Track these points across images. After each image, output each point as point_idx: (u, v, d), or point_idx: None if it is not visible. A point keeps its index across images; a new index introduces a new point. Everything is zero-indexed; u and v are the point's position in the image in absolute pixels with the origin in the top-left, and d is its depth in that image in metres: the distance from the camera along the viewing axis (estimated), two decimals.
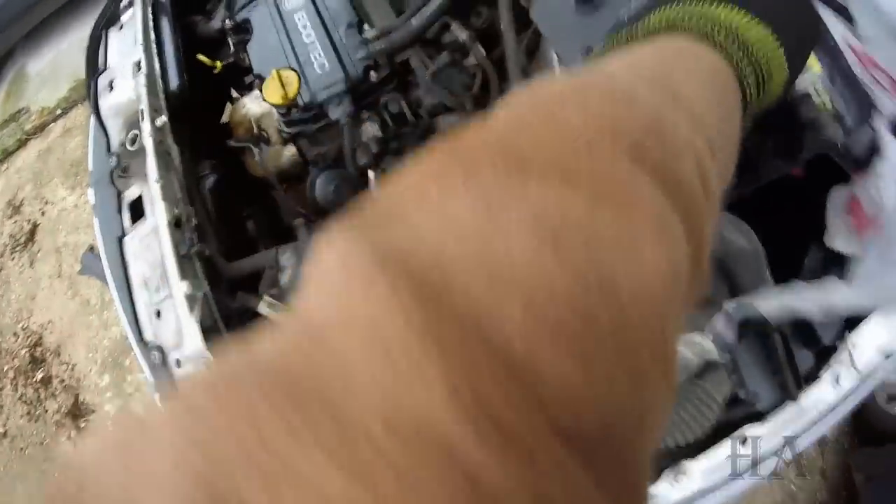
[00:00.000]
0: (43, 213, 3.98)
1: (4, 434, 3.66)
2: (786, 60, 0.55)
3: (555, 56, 1.23)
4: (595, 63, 0.45)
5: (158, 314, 1.50)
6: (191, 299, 1.42)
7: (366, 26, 1.55)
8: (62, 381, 3.52)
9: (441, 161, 0.30)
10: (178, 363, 1.46)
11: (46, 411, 3.55)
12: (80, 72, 1.89)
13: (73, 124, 4.14)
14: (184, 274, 1.42)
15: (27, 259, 3.91)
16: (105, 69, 1.86)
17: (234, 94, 1.94)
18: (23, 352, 3.71)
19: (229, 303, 1.51)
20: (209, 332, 1.44)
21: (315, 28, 1.56)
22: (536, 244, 0.24)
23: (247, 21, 1.74)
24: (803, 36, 0.59)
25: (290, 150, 1.67)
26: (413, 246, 0.25)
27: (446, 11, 1.43)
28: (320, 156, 1.59)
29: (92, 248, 1.82)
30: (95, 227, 1.70)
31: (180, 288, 1.41)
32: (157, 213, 1.47)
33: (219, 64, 1.84)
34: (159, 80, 1.68)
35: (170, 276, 1.43)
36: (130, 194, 1.62)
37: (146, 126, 1.57)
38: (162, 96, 1.66)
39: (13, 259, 3.98)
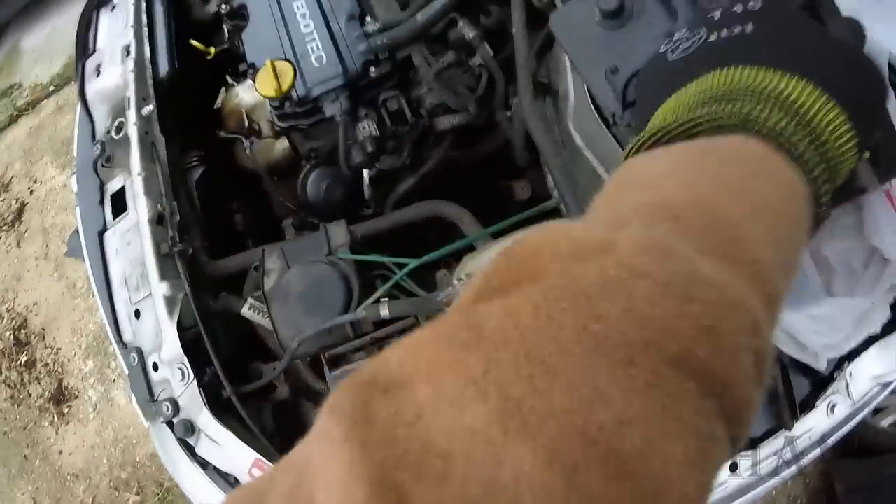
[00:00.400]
0: (31, 192, 3.88)
1: None
2: (857, 136, 0.48)
3: (568, 63, 1.15)
4: (635, 169, 0.43)
5: (138, 314, 1.42)
6: (170, 301, 1.34)
7: (368, 18, 1.46)
8: (46, 364, 3.44)
9: (460, 342, 0.28)
10: (156, 367, 1.38)
11: (30, 395, 3.47)
12: (74, 46, 1.80)
13: (65, 101, 4.03)
14: (164, 274, 1.34)
15: (14, 239, 3.81)
16: (94, 52, 1.76)
17: (229, 81, 1.85)
18: (7, 334, 3.63)
19: (211, 303, 1.43)
20: (188, 333, 1.37)
21: (314, 17, 1.46)
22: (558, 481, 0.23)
23: (243, 7, 1.65)
24: (870, 101, 0.51)
25: (282, 144, 1.59)
26: (419, 469, 0.24)
27: (454, 8, 1.34)
28: (314, 151, 1.50)
29: (78, 230, 1.74)
30: (77, 219, 1.62)
31: (160, 289, 1.33)
32: (139, 208, 1.39)
33: (212, 50, 1.75)
34: (149, 66, 1.59)
35: (150, 276, 1.35)
36: (113, 185, 1.53)
37: (132, 115, 1.48)
38: (150, 83, 1.57)
39: (0, 238, 3.88)
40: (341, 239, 1.28)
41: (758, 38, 0.53)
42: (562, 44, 0.83)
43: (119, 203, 1.50)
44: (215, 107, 1.91)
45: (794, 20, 0.54)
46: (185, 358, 1.32)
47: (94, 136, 1.66)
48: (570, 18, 0.82)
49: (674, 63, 0.57)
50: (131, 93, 1.52)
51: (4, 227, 3.90)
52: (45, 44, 4.47)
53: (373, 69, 1.38)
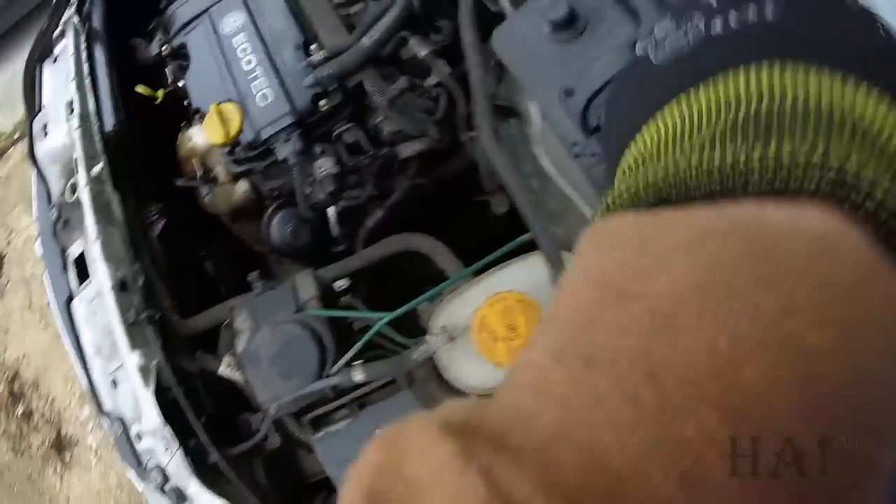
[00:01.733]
0: (9, 243, 3.74)
1: None
2: None
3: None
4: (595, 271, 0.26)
5: (115, 383, 1.32)
6: (144, 371, 1.24)
7: (313, 47, 1.35)
8: (43, 414, 3.33)
9: None
10: (139, 437, 1.29)
11: (31, 446, 3.36)
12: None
13: None
14: (134, 343, 1.24)
15: None
16: (39, 110, 1.65)
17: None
18: (0, 387, 3.51)
19: (188, 365, 1.33)
20: (168, 394, 1.28)
21: (256, 52, 1.36)
22: None
23: (184, 46, 1.53)
24: None
25: (242, 187, 1.48)
26: None
27: (402, 27, 1.23)
28: (275, 191, 1.40)
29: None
30: (46, 285, 1.52)
31: (132, 359, 1.24)
32: (100, 275, 1.28)
33: (160, 93, 1.64)
34: (94, 121, 1.48)
35: (119, 346, 1.25)
36: (74, 251, 1.42)
37: (82, 176, 1.37)
38: (98, 139, 1.46)
39: None
40: (309, 292, 1.18)
41: (786, 27, 0.33)
42: (508, 65, 0.72)
43: (82, 269, 1.39)
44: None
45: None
46: (166, 428, 1.23)
47: (49, 199, 1.55)
48: (515, 34, 0.71)
49: (664, 66, 0.36)
50: (79, 152, 1.41)
51: None
52: (4, 91, 4.29)
53: (323, 102, 1.28)
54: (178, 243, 1.50)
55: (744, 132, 0.26)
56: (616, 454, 0.20)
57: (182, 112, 1.77)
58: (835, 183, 0.24)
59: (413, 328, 1.43)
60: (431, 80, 1.30)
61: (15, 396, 3.47)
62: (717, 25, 0.35)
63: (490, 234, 1.56)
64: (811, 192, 0.24)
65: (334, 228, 1.34)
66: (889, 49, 0.32)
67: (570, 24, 0.67)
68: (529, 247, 1.09)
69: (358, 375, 1.07)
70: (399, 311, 1.12)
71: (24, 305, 3.52)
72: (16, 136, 4.01)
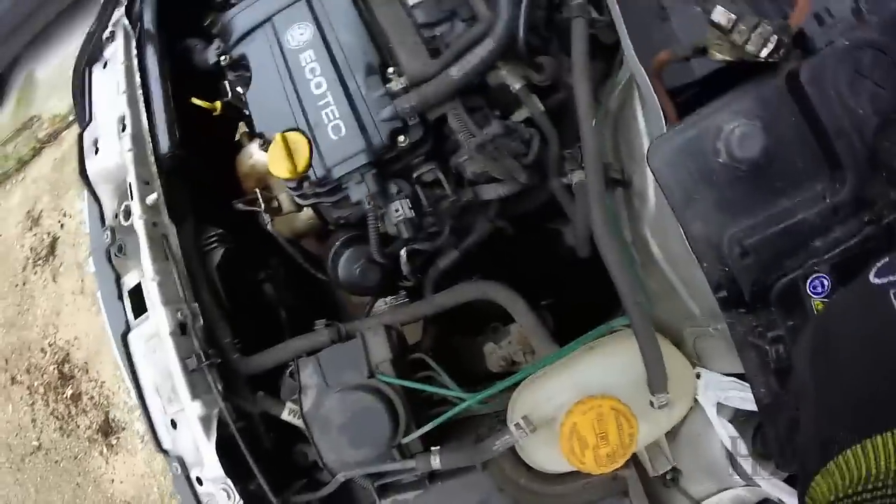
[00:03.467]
0: (62, 226, 3.66)
1: (39, 447, 3.46)
2: None
3: (641, 121, 0.87)
4: None
5: (174, 424, 1.20)
6: (205, 421, 1.11)
7: (390, 70, 1.16)
8: (91, 398, 3.28)
9: None
10: (200, 481, 1.17)
11: (78, 427, 3.32)
12: None
13: None
14: (195, 392, 1.12)
15: (49, 274, 3.61)
16: (90, 121, 1.50)
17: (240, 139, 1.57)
18: (51, 368, 3.46)
19: (249, 407, 1.20)
20: (227, 431, 1.15)
21: (326, 74, 1.18)
22: None
23: (244, 57, 1.36)
24: None
25: (306, 214, 1.33)
26: None
27: (497, 60, 1.05)
28: (342, 219, 1.24)
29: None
30: (102, 310, 1.39)
31: (193, 409, 1.11)
32: (158, 316, 1.14)
33: (218, 105, 1.47)
34: (148, 141, 1.32)
35: (180, 394, 1.13)
36: (129, 280, 1.29)
37: (136, 207, 1.23)
38: (152, 161, 1.30)
39: (35, 273, 3.68)
40: (382, 354, 1.04)
41: None
42: (661, 183, 0.56)
43: (138, 301, 1.26)
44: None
45: None
46: (228, 480, 1.11)
47: (102, 219, 1.41)
48: (677, 154, 0.55)
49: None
50: (132, 178, 1.26)
51: (39, 262, 3.70)
52: (58, 74, 4.20)
53: (402, 138, 1.10)
54: (236, 271, 1.35)
55: None
56: None
57: (239, 122, 1.62)
58: None
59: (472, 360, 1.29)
60: (520, 116, 1.13)
61: (65, 378, 3.42)
62: None
63: (558, 263, 1.40)
64: None
65: (405, 268, 1.18)
66: None
67: (757, 162, 0.51)
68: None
69: (435, 461, 0.96)
70: (486, 393, 0.97)
71: (76, 289, 3.45)
72: (70, 119, 3.91)
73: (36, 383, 3.49)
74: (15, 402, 3.55)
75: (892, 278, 0.36)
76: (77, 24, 4.15)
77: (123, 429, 3.16)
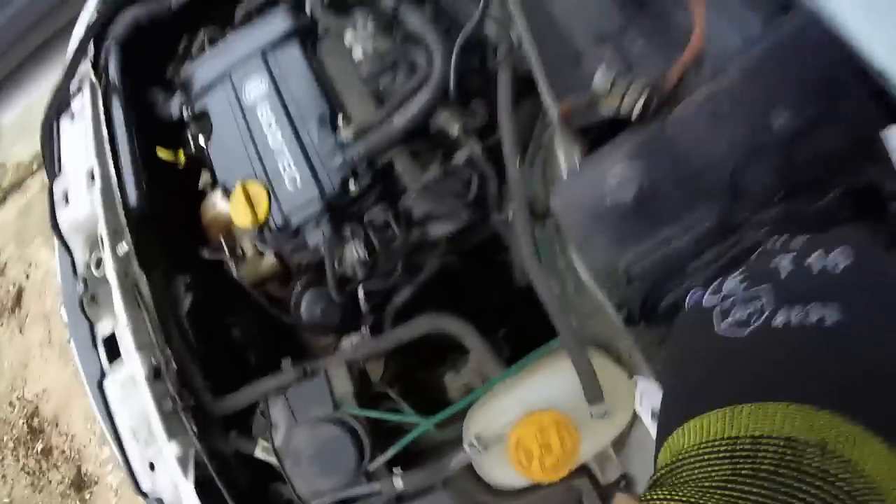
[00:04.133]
0: (28, 277, 3.75)
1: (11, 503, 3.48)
2: None
3: (561, 156, 1.02)
4: None
5: (152, 466, 1.31)
6: (182, 461, 1.23)
7: (339, 120, 1.31)
8: (63, 451, 3.33)
9: None
10: None
11: (50, 482, 3.36)
12: None
13: None
14: (171, 433, 1.23)
15: (16, 325, 3.69)
16: (59, 172, 1.63)
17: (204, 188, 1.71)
18: (20, 422, 3.52)
19: (223, 446, 1.31)
20: (203, 470, 1.26)
21: (281, 126, 1.32)
22: None
23: (205, 110, 1.51)
24: None
25: (268, 260, 1.46)
26: None
27: (434, 108, 1.20)
28: (301, 265, 1.38)
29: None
30: (76, 359, 1.50)
31: (170, 449, 1.22)
32: (132, 362, 1.27)
33: (182, 157, 1.61)
34: (117, 193, 1.45)
35: (156, 434, 1.24)
36: (103, 329, 1.41)
37: (107, 256, 1.35)
38: (121, 212, 1.43)
39: (2, 325, 3.76)
40: (344, 388, 1.17)
41: (841, 342, 0.40)
42: (562, 223, 0.70)
43: (113, 348, 1.38)
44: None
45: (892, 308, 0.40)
46: None
47: (74, 269, 1.53)
48: (574, 197, 0.69)
49: (724, 343, 0.44)
50: (102, 229, 1.39)
51: (5, 313, 3.78)
52: (22, 121, 4.31)
53: (352, 184, 1.25)
54: (206, 315, 1.47)
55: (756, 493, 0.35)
56: None
57: (200, 172, 1.76)
58: None
59: (434, 389, 1.42)
60: (461, 156, 1.27)
61: (34, 432, 3.47)
62: (780, 317, 0.42)
63: (510, 292, 1.54)
64: None
65: (364, 306, 1.31)
66: None
67: (635, 201, 0.65)
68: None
69: (398, 483, 1.08)
70: (440, 416, 1.11)
71: (43, 341, 3.53)
72: (34, 167, 4.02)
73: (5, 438, 3.54)
74: None
75: (716, 299, 0.47)
76: (40, 71, 4.28)
77: (96, 482, 3.21)
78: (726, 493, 0.36)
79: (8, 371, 3.65)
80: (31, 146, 4.13)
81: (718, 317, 0.46)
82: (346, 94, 1.35)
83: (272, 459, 1.25)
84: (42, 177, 4.02)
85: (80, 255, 1.53)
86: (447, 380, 1.36)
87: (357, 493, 1.10)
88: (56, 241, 1.61)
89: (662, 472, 0.41)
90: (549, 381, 1.07)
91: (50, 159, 1.69)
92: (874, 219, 0.55)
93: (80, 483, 3.24)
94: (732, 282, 0.47)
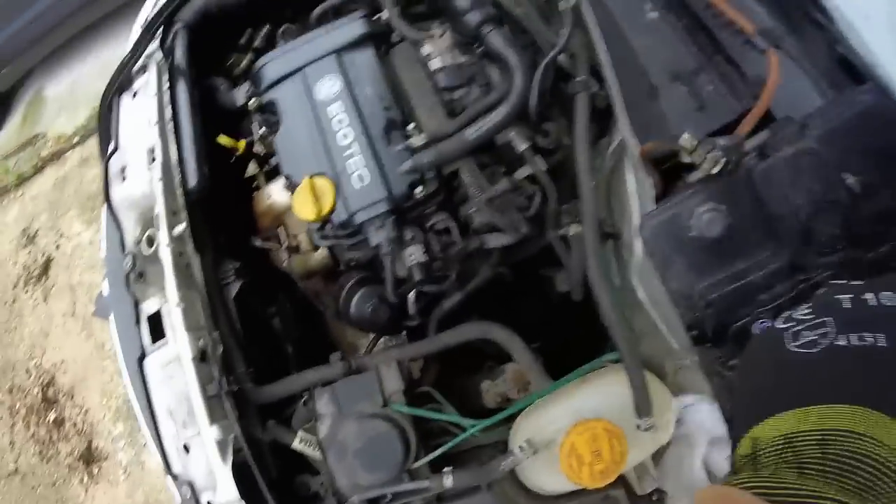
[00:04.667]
0: (58, 247, 3.80)
1: (16, 471, 3.50)
2: None
3: (634, 214, 1.04)
4: None
5: (187, 448, 1.31)
6: (222, 445, 1.23)
7: (410, 126, 1.33)
8: (75, 424, 3.35)
9: None
10: None
11: (59, 453, 3.38)
12: (99, 99, 1.69)
13: (90, 154, 3.94)
14: (213, 417, 1.23)
15: (41, 293, 3.73)
16: (116, 148, 1.64)
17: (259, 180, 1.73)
18: (35, 390, 3.54)
19: (260, 434, 1.32)
20: (241, 469, 1.26)
21: (353, 125, 1.34)
22: None
23: (273, 103, 1.53)
24: None
25: (320, 253, 1.47)
26: None
27: (509, 125, 1.22)
28: (353, 261, 1.39)
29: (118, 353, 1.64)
30: (114, 336, 1.51)
31: (211, 433, 1.22)
32: (180, 342, 1.27)
33: (242, 144, 1.63)
34: (176, 175, 1.47)
35: (198, 418, 1.24)
36: (148, 307, 1.41)
37: (163, 235, 1.36)
38: (180, 193, 1.45)
39: (27, 292, 3.80)
40: (394, 385, 1.18)
41: (888, 361, 0.51)
42: (649, 254, 0.74)
43: (157, 327, 1.39)
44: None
45: None
46: (242, 503, 1.22)
47: (122, 245, 1.54)
48: (660, 227, 0.73)
49: (797, 359, 0.56)
50: (161, 208, 1.40)
51: (31, 281, 3.82)
52: (68, 93, 4.39)
53: (419, 189, 1.26)
54: (249, 304, 1.49)
55: (829, 470, 0.46)
56: None
57: (259, 163, 1.78)
58: None
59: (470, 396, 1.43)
60: (522, 172, 1.29)
61: (48, 401, 3.50)
62: (842, 340, 0.54)
63: (549, 308, 1.55)
64: None
65: (412, 308, 1.32)
66: None
67: (718, 243, 0.70)
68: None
69: (447, 481, 1.09)
70: (489, 421, 1.12)
71: (67, 312, 3.56)
72: (75, 140, 4.08)
73: (18, 404, 3.57)
74: None
75: (787, 325, 0.58)
76: (90, 47, 4.36)
77: (106, 458, 3.22)
78: (804, 471, 0.46)
79: (28, 338, 3.68)
80: (73, 120, 4.20)
81: (789, 338, 0.58)
82: (418, 101, 1.37)
83: (309, 451, 1.26)
84: (81, 151, 4.08)
85: (131, 232, 1.54)
86: (483, 387, 1.38)
87: (402, 489, 1.11)
88: (104, 215, 1.63)
89: (744, 460, 0.54)
90: (600, 393, 1.09)
91: (106, 133, 1.70)
92: None
93: (90, 457, 3.25)
94: (801, 312, 0.59)
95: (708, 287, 0.73)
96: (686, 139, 0.77)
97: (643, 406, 0.97)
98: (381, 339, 1.63)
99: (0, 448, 3.55)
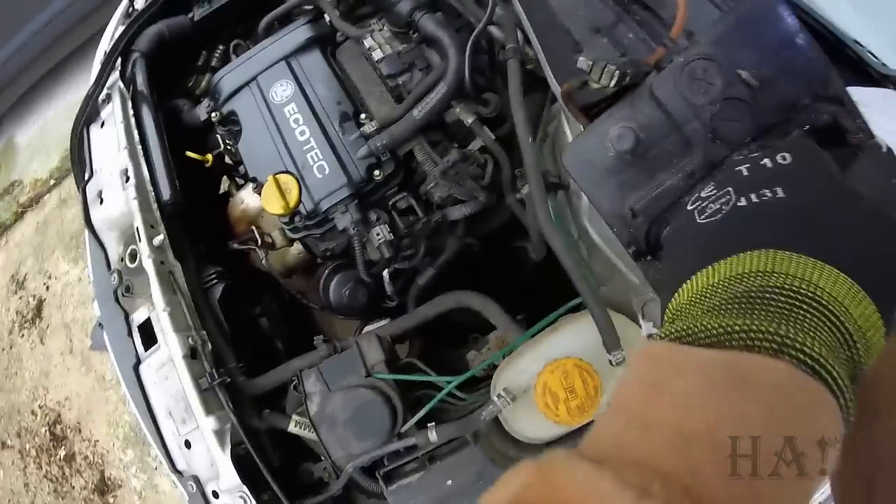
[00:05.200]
0: (47, 288, 3.83)
1: None
2: (886, 324, 0.48)
3: (569, 134, 1.11)
4: (661, 375, 0.44)
5: (188, 444, 1.37)
6: (220, 434, 1.29)
7: (362, 115, 1.41)
8: (86, 457, 3.39)
9: None
10: (216, 494, 1.34)
11: (73, 488, 3.41)
12: (69, 140, 1.75)
13: (67, 194, 3.98)
14: (208, 409, 1.29)
15: (37, 336, 3.76)
16: (91, 175, 1.71)
17: (229, 187, 1.80)
18: (42, 430, 3.57)
19: (257, 423, 1.38)
20: (237, 449, 1.33)
21: (308, 123, 1.42)
22: None
23: (233, 113, 1.60)
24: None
25: (296, 248, 1.54)
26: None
27: (451, 100, 1.29)
28: (328, 251, 1.46)
29: (101, 324, 1.70)
30: (108, 349, 1.57)
31: (207, 424, 1.29)
32: (170, 343, 1.34)
33: (209, 157, 1.71)
34: (150, 190, 1.54)
35: (194, 411, 1.31)
36: (138, 317, 1.48)
37: (144, 247, 1.43)
38: (155, 207, 1.52)
39: (23, 336, 3.83)
40: (376, 356, 1.24)
41: (789, 209, 0.52)
42: (575, 180, 0.79)
43: (148, 334, 1.45)
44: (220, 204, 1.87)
45: (824, 187, 0.53)
46: (244, 487, 1.28)
47: (108, 264, 1.61)
48: (582, 153, 0.79)
49: (704, 227, 0.57)
50: (139, 222, 1.47)
51: (26, 325, 3.85)
52: (38, 138, 4.43)
53: (377, 172, 1.33)
54: (234, 306, 1.55)
55: (750, 306, 0.46)
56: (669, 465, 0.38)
57: (227, 173, 1.85)
58: (804, 356, 0.42)
59: (458, 367, 1.49)
60: (475, 145, 1.36)
61: (57, 439, 3.53)
62: (742, 200, 0.56)
63: (526, 278, 1.62)
64: (788, 358, 0.42)
65: (389, 288, 1.39)
66: (866, 235, 0.50)
67: (633, 153, 0.75)
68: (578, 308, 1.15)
69: (432, 435, 1.14)
70: (463, 377, 1.18)
71: (64, 350, 3.60)
72: (51, 183, 4.12)
73: (27, 446, 3.60)
74: (6, 466, 3.63)
75: (695, 205, 0.60)
76: (53, 91, 4.40)
77: (120, 486, 3.26)
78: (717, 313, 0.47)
79: (30, 381, 3.71)
80: (46, 163, 4.23)
81: (697, 214, 0.58)
82: (367, 92, 1.45)
83: (305, 433, 1.32)
84: (58, 192, 4.11)
85: (114, 250, 1.60)
86: (469, 357, 1.44)
87: (389, 449, 1.16)
88: (87, 240, 1.68)
89: (671, 315, 0.53)
90: (569, 337, 1.15)
91: (80, 163, 1.76)
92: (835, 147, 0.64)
93: (104, 487, 3.29)
94: (707, 190, 0.60)
95: (635, 200, 0.76)
96: (582, 61, 0.82)
97: (610, 340, 1.01)
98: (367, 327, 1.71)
99: (16, 491, 3.57)
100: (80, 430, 3.43)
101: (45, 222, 4.06)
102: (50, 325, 3.73)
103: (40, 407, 3.62)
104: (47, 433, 3.55)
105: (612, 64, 0.74)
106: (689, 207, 0.60)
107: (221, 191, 1.97)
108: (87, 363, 3.46)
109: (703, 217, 0.58)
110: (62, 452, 3.48)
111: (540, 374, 1.09)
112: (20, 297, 3.94)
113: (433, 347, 1.60)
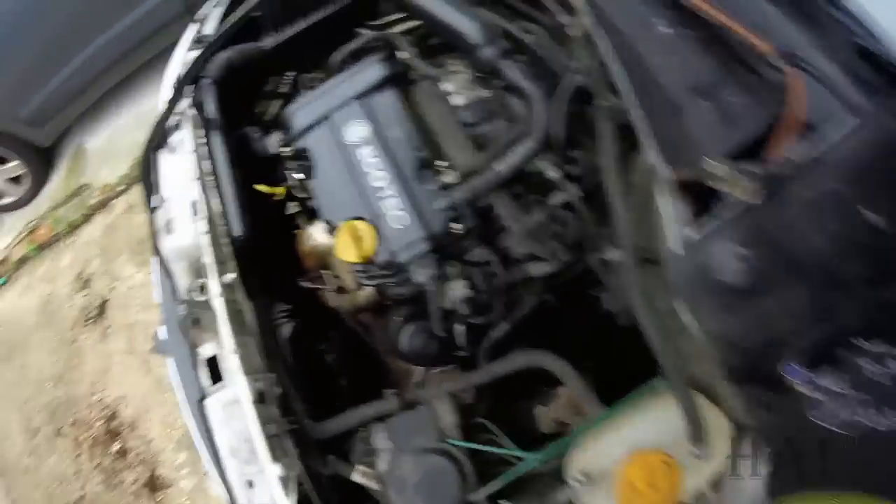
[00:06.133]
0: (112, 289, 3.80)
1: (83, 497, 3.50)
2: None
3: (665, 207, 0.98)
4: None
5: (251, 484, 1.29)
6: (285, 481, 1.20)
7: (439, 162, 1.29)
8: (138, 454, 3.34)
9: None
10: None
11: (123, 482, 3.38)
12: (138, 149, 1.66)
13: (135, 201, 3.94)
14: (275, 455, 1.21)
15: (99, 333, 3.73)
16: (161, 203, 1.62)
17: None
18: (98, 423, 3.55)
19: (321, 469, 1.28)
20: (301, 501, 1.23)
21: (386, 169, 1.30)
22: None
23: (305, 150, 1.49)
24: None
25: (367, 291, 1.43)
26: None
27: (536, 156, 1.17)
28: (401, 296, 1.34)
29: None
30: (173, 377, 1.48)
31: (273, 470, 1.20)
32: (239, 386, 1.25)
33: (281, 190, 1.60)
34: (219, 222, 1.44)
35: (259, 455, 1.22)
36: (205, 351, 1.40)
37: (213, 284, 1.34)
38: (226, 242, 1.42)
39: (84, 332, 3.81)
40: (449, 419, 1.13)
41: None
42: (679, 297, 0.69)
43: (214, 370, 1.37)
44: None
45: None
46: None
47: (174, 293, 1.52)
48: (692, 267, 0.70)
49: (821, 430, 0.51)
50: (209, 259, 1.38)
51: (89, 322, 3.82)
52: (107, 145, 4.41)
53: (457, 225, 1.22)
54: (302, 343, 1.45)
55: None
56: None
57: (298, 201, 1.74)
58: None
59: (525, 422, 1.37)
60: (557, 199, 1.24)
61: (111, 434, 3.50)
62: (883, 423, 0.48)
63: (600, 327, 1.49)
64: None
65: (461, 341, 1.28)
66: None
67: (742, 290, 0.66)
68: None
69: None
70: (547, 454, 1.06)
71: (125, 350, 3.56)
72: (119, 189, 4.09)
73: (81, 437, 3.57)
74: (60, 452, 3.61)
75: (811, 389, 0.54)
76: (122, 101, 4.39)
77: (170, 486, 3.20)
78: None
79: (89, 375, 3.69)
80: (116, 169, 4.21)
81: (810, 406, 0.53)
82: (445, 138, 1.34)
83: (371, 484, 1.22)
84: (126, 198, 4.09)
85: (183, 280, 1.52)
86: (538, 413, 1.33)
87: None
88: (154, 263, 1.60)
89: None
90: (652, 421, 1.05)
91: (149, 189, 1.68)
92: None
93: (154, 485, 3.24)
94: (831, 379, 0.54)
95: (737, 327, 0.71)
96: (715, 166, 0.72)
97: (696, 433, 0.93)
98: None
99: (66, 477, 3.55)
100: (134, 428, 3.40)
101: (113, 226, 4.04)
102: (112, 325, 3.70)
103: (98, 401, 3.60)
104: (102, 426, 3.52)
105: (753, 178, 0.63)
106: (802, 384, 0.51)
107: (288, 212, 1.85)
108: (147, 364, 3.42)
109: (818, 412, 0.52)
110: (116, 447, 3.45)
111: (623, 465, 0.97)
112: (85, 295, 3.92)
113: (500, 397, 1.48)
